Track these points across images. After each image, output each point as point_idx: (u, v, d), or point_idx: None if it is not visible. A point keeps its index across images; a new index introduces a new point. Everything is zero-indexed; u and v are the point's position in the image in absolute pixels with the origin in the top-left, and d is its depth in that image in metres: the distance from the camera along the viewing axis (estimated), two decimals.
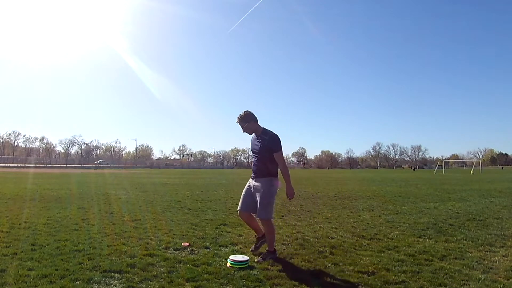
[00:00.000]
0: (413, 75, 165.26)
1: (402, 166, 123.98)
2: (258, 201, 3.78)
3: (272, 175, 3.82)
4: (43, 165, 67.26)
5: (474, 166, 53.61)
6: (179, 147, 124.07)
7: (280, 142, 3.81)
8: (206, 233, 4.99)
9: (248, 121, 3.87)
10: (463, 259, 3.80)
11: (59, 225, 5.43)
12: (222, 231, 5.16)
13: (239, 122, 3.92)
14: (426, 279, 3.16)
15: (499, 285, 3.02)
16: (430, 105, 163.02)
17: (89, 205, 8.04)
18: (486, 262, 3.70)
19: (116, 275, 3.17)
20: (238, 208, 4.06)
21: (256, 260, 3.65)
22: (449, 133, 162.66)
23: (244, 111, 3.91)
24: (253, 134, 3.98)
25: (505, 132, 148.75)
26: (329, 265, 3.58)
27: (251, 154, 4.13)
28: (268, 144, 3.80)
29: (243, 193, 4.01)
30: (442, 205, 8.64)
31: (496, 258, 3.85)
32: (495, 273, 3.33)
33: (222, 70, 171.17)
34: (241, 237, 4.81)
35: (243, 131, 3.93)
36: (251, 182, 3.95)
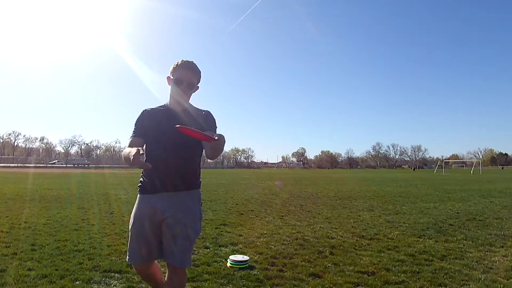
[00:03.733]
0: (413, 75, 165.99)
1: (402, 166, 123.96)
2: (178, 237, 2.00)
3: (199, 186, 2.18)
4: (43, 165, 67.25)
5: (474, 166, 53.61)
6: None
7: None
8: (206, 233, 4.99)
9: (199, 81, 2.16)
10: (463, 259, 3.80)
11: (59, 225, 5.43)
12: (222, 231, 5.16)
13: (189, 74, 2.08)
14: (426, 279, 3.16)
15: (499, 285, 3.02)
16: (430, 105, 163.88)
17: (89, 205, 8.04)
18: (486, 262, 3.71)
19: (116, 275, 3.18)
20: (134, 261, 2.12)
21: None
22: (449, 133, 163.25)
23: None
24: (164, 106, 2.16)
25: (505, 132, 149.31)
26: (329, 265, 3.58)
27: (130, 143, 2.18)
28: (207, 124, 2.10)
29: (136, 229, 2.07)
30: (442, 205, 8.64)
31: (496, 258, 3.86)
32: (495, 273, 3.33)
33: (222, 70, 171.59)
34: (241, 237, 4.81)
35: (183, 93, 2.09)
36: (157, 203, 2.05)
